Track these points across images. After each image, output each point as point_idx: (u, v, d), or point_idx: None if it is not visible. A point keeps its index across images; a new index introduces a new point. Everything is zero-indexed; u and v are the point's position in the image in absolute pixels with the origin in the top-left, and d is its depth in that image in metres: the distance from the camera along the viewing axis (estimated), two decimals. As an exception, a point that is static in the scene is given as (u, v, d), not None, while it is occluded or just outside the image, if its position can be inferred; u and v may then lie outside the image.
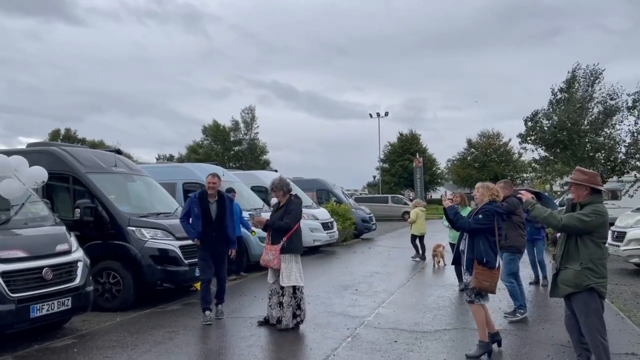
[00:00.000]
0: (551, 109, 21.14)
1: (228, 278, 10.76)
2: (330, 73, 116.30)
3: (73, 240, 6.62)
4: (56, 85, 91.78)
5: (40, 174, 6.78)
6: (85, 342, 6.07)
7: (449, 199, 5.80)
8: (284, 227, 6.54)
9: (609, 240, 10.17)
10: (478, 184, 5.79)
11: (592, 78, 20.71)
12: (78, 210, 7.65)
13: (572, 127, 19.72)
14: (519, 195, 5.01)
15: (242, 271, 11.07)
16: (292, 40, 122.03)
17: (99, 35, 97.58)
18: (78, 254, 6.48)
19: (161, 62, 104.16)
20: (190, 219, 7.07)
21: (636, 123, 19.79)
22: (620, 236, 11.04)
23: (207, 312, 6.94)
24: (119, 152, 9.99)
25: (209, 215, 7.04)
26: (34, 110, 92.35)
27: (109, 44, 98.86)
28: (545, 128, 20.82)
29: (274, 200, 7.44)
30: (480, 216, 5.38)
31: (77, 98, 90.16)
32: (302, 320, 6.58)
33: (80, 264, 6.38)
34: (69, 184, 8.19)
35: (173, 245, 8.01)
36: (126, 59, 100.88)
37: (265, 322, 6.75)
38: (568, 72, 21.10)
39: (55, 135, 54.91)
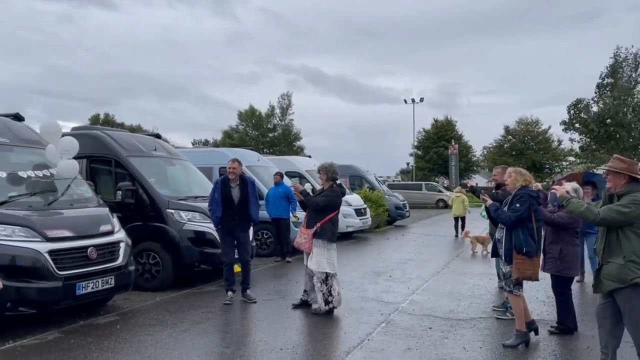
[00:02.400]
0: (598, 95, 20.46)
1: (276, 260, 11.01)
2: (360, 57, 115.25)
3: (115, 221, 6.83)
4: (90, 69, 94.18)
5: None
6: (127, 319, 6.30)
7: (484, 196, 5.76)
8: (313, 204, 6.59)
9: None
10: (510, 169, 5.66)
11: (637, 62, 19.89)
12: (119, 192, 7.89)
13: (615, 117, 19.07)
14: (552, 191, 4.83)
15: (288, 256, 11.18)
16: (321, 23, 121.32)
17: (130, 19, 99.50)
18: (120, 234, 6.69)
19: (190, 46, 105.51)
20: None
21: None
22: None
23: (230, 293, 7.18)
24: (158, 136, 10.20)
25: (230, 199, 7.14)
26: (71, 94, 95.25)
27: (139, 28, 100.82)
28: (589, 116, 20.21)
29: (307, 186, 7.48)
30: (517, 205, 5.23)
31: (111, 82, 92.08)
32: (334, 307, 6.59)
33: (122, 245, 6.59)
34: (111, 166, 8.44)
35: (210, 227, 8.16)
36: (156, 43, 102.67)
37: (299, 305, 6.84)
38: (610, 57, 20.37)
39: (95, 119, 56.35)
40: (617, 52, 20.01)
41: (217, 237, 8.17)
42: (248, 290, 7.35)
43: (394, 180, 54.50)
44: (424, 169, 51.44)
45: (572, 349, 5.32)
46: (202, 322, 6.20)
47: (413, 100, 48.49)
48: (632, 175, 4.21)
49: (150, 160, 8.92)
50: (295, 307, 6.84)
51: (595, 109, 19.69)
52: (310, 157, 20.16)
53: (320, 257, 6.54)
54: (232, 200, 7.18)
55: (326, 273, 6.54)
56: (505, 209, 5.35)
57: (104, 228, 6.46)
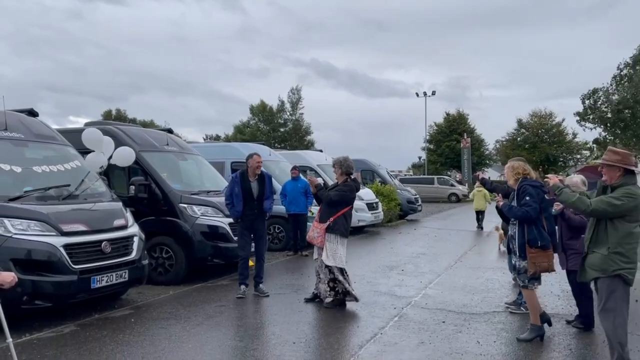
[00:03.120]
0: (614, 85, 20.15)
1: (288, 254, 11.03)
2: (370, 50, 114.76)
3: (129, 215, 6.87)
4: (100, 65, 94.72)
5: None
6: (142, 313, 6.35)
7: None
8: (326, 198, 6.59)
9: None
10: (506, 166, 5.61)
11: None
12: (133, 187, 7.94)
13: (634, 106, 18.76)
14: (545, 180, 4.76)
15: (305, 250, 11.22)
16: (330, 16, 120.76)
17: (139, 14, 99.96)
18: (134, 229, 6.74)
19: (199, 40, 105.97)
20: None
21: None
22: None
23: (242, 287, 7.21)
24: (170, 131, 10.23)
25: (250, 194, 7.17)
26: (81, 90, 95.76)
27: (148, 23, 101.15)
28: (605, 107, 19.93)
29: (319, 180, 7.46)
30: (527, 198, 5.17)
31: (120, 78, 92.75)
32: (340, 299, 6.58)
33: (136, 239, 6.63)
34: (124, 162, 8.47)
35: (223, 222, 8.20)
36: (165, 38, 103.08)
37: (312, 299, 6.84)
38: (635, 48, 20.04)
39: (107, 115, 56.78)
40: None
41: (230, 232, 8.22)
42: (261, 285, 7.37)
43: (405, 175, 54.29)
44: (436, 162, 51.13)
45: (587, 342, 5.26)
46: (215, 315, 6.23)
47: (425, 94, 48.21)
48: (626, 167, 4.16)
49: (163, 155, 8.96)
50: (308, 300, 6.85)
51: (615, 97, 19.36)
52: (321, 151, 20.14)
53: (334, 252, 6.53)
54: (252, 194, 7.21)
55: (338, 267, 6.53)
56: (514, 204, 5.29)
57: (118, 222, 6.50)
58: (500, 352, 5.01)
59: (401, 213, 20.02)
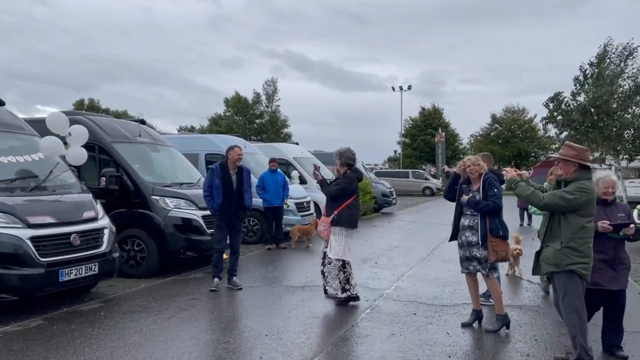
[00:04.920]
0: (578, 86, 20.61)
1: (269, 247, 10.95)
2: (344, 43, 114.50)
3: (99, 208, 6.76)
4: (68, 52, 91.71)
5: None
6: (112, 306, 6.27)
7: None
8: (327, 193, 6.58)
9: (635, 219, 9.81)
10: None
11: (625, 53, 20.07)
12: (103, 178, 7.80)
13: (601, 106, 19.22)
14: (503, 172, 4.84)
15: (280, 242, 11.22)
16: (305, 7, 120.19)
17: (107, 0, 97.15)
18: (104, 221, 6.63)
19: (171, 28, 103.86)
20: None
21: None
22: None
23: (216, 279, 7.18)
24: (143, 122, 10.07)
25: (230, 186, 7.14)
26: (48, 78, 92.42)
27: (118, 10, 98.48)
28: (572, 107, 20.37)
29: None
30: (495, 190, 5.35)
31: (90, 66, 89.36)
32: (353, 295, 6.45)
33: (106, 231, 6.53)
34: (95, 152, 8.31)
35: (196, 214, 8.14)
36: (136, 25, 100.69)
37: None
38: (599, 47, 20.50)
39: (79, 105, 55.50)
40: (607, 42, 20.17)
41: (203, 224, 8.16)
42: (235, 278, 7.34)
43: (381, 168, 54.61)
44: (411, 156, 51.60)
45: (554, 333, 5.39)
46: (187, 308, 6.18)
47: (401, 88, 48.49)
48: (581, 162, 4.27)
49: (135, 146, 8.82)
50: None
51: (580, 98, 19.82)
52: (297, 144, 20.11)
53: (337, 245, 6.45)
54: (232, 187, 7.16)
55: (343, 261, 6.46)
56: (478, 197, 5.38)
57: (88, 214, 6.39)
58: (468, 342, 5.12)
59: (376, 206, 20.17)
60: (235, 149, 7.28)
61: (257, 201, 11.34)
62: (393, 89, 50.16)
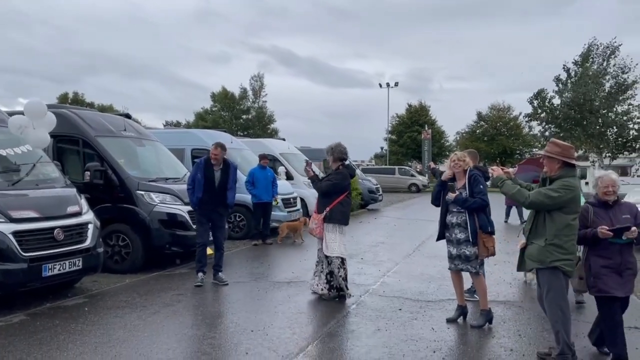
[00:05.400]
0: (561, 85, 20.89)
1: (255, 243, 10.91)
2: (331, 38, 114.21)
3: (83, 202, 6.69)
4: (51, 44, 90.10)
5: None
6: (96, 301, 6.21)
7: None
8: (318, 189, 6.57)
9: None
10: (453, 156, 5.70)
11: (608, 52, 20.36)
12: (88, 173, 7.72)
13: (584, 104, 19.49)
14: (489, 170, 4.87)
15: (267, 238, 11.21)
16: (292, 2, 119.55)
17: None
18: (88, 216, 6.56)
19: (157, 23, 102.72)
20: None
21: None
22: None
23: (200, 274, 7.16)
24: (128, 116, 9.97)
25: (212, 182, 7.13)
26: (32, 71, 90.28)
27: (103, 3, 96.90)
28: (555, 105, 20.65)
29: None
30: (481, 187, 5.41)
31: (75, 59, 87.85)
32: (345, 293, 6.49)
33: (90, 226, 6.47)
34: (79, 146, 8.24)
35: (181, 210, 8.10)
36: (122, 19, 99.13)
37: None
38: (584, 46, 20.76)
39: (63, 98, 54.73)
40: (592, 41, 20.44)
41: (189, 220, 8.11)
42: (220, 273, 7.32)
43: (368, 165, 54.72)
44: (398, 153, 51.77)
45: (537, 329, 5.46)
46: (172, 304, 6.15)
47: (388, 85, 48.56)
48: (565, 160, 4.32)
49: (120, 140, 8.73)
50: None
51: (564, 97, 20.10)
52: (284, 139, 20.06)
53: (332, 242, 6.43)
54: (214, 182, 7.14)
55: (342, 258, 6.46)
56: (465, 194, 5.42)
57: (72, 209, 6.32)
58: (454, 338, 5.16)
59: (362, 202, 20.21)
60: (211, 147, 7.28)
61: (244, 197, 11.35)
62: (380, 85, 50.58)
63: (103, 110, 38.85)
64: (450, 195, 5.49)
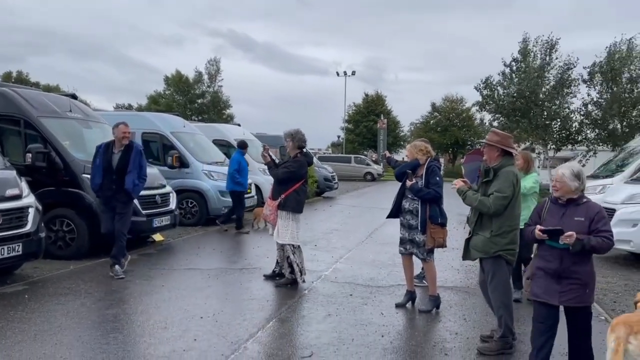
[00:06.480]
0: (506, 79, 21.53)
1: (242, 231, 10.72)
2: (289, 24, 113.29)
3: (24, 185, 6.38)
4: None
5: None
6: (37, 288, 5.96)
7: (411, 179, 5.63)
8: (274, 176, 6.48)
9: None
10: (409, 147, 5.84)
11: (547, 46, 21.06)
12: (29, 155, 7.35)
13: (529, 96, 20.15)
14: (452, 185, 4.89)
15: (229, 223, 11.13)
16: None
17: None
18: (29, 199, 6.27)
19: (108, 1, 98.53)
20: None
21: (588, 94, 20.49)
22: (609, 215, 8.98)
23: (117, 267, 6.64)
24: (74, 97, 9.55)
25: (110, 166, 6.63)
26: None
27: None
28: (502, 96, 21.26)
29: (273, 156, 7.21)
30: (437, 179, 5.50)
31: (18, 36, 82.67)
32: (302, 279, 6.49)
33: (31, 210, 6.19)
34: (20, 127, 7.83)
35: (131, 194, 7.83)
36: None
37: (271, 277, 6.71)
38: (519, 43, 21.44)
39: (7, 77, 51.99)
40: (525, 37, 21.17)
41: (138, 205, 7.88)
42: (116, 266, 6.65)
43: (324, 153, 54.90)
44: (354, 142, 52.15)
45: (482, 312, 5.64)
46: (119, 291, 5.99)
47: (345, 73, 48.68)
48: (504, 148, 4.45)
49: (65, 121, 8.36)
50: (267, 277, 6.70)
51: (513, 87, 20.72)
52: (239, 125, 19.80)
53: (284, 229, 6.37)
54: (111, 166, 6.62)
55: (293, 245, 6.40)
56: (421, 184, 5.50)
57: (11, 192, 6.02)
58: (402, 322, 5.27)
59: (318, 190, 20.29)
60: (120, 126, 6.66)
61: (197, 183, 11.17)
62: (337, 74, 50.31)
63: (49, 90, 37.12)
64: (408, 182, 5.56)
